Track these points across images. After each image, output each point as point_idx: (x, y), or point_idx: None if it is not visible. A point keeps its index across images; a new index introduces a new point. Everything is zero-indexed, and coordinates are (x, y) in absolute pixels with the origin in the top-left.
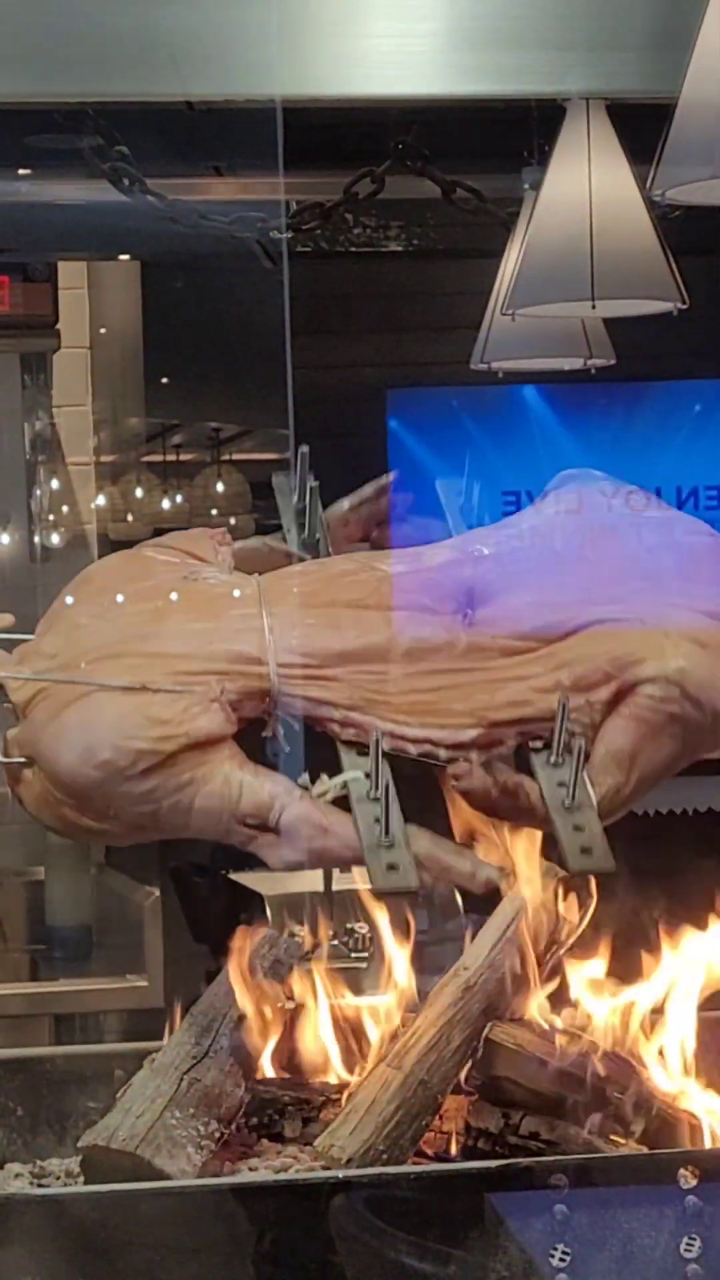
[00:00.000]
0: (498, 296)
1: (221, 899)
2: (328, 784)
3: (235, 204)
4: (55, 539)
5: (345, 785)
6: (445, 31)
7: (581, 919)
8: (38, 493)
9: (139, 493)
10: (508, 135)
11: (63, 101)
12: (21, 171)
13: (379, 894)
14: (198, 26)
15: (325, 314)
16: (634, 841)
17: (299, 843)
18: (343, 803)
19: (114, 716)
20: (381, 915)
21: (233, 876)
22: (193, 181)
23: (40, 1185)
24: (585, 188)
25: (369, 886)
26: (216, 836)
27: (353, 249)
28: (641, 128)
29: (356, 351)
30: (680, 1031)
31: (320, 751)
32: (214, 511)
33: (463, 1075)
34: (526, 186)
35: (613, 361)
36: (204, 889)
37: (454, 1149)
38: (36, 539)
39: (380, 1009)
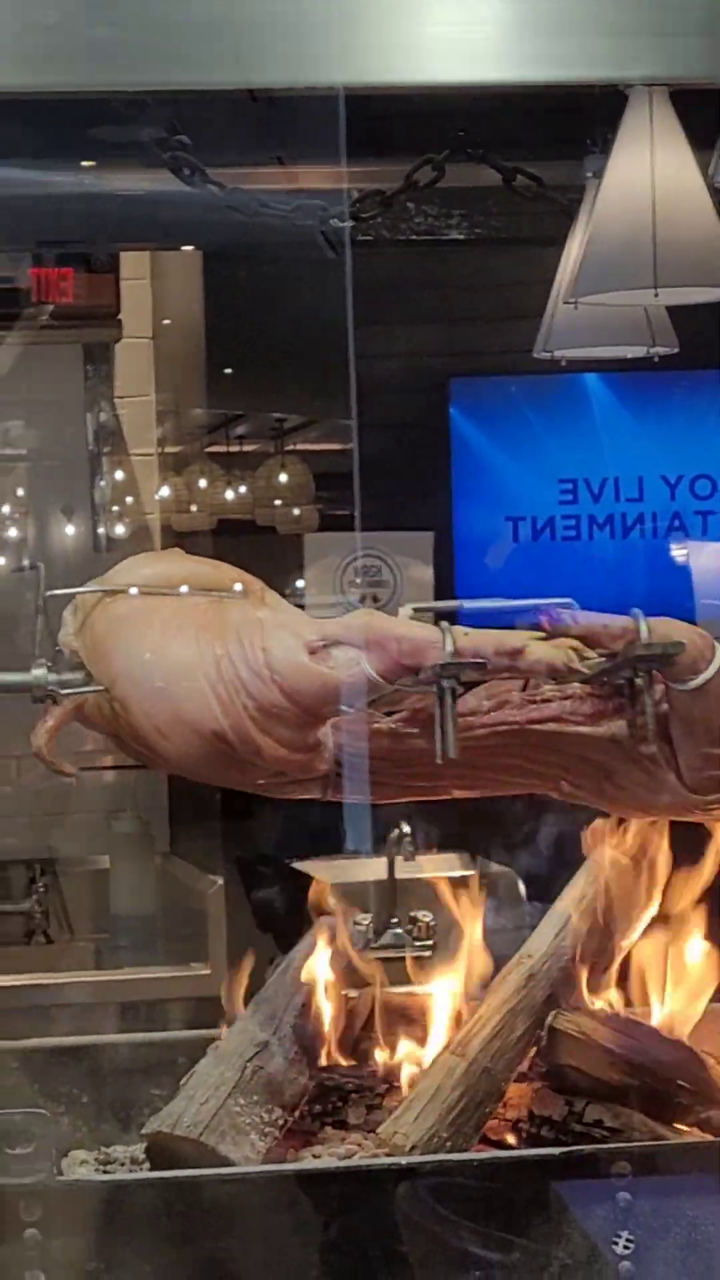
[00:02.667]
0: (560, 285)
1: (285, 887)
2: None
3: (296, 193)
4: (119, 530)
5: None
6: (507, 19)
7: (645, 908)
8: (101, 484)
9: (202, 483)
10: (569, 123)
11: (124, 92)
12: (84, 163)
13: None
14: (260, 16)
15: (387, 303)
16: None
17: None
18: None
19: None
20: (444, 902)
21: (296, 865)
22: (254, 171)
23: (105, 1172)
24: (648, 175)
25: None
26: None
27: (414, 237)
28: (705, 114)
29: (418, 341)
30: None
31: None
32: (277, 502)
33: (526, 1063)
34: (589, 174)
35: (676, 349)
36: (268, 878)
37: (517, 1137)
38: (100, 530)
39: (444, 997)
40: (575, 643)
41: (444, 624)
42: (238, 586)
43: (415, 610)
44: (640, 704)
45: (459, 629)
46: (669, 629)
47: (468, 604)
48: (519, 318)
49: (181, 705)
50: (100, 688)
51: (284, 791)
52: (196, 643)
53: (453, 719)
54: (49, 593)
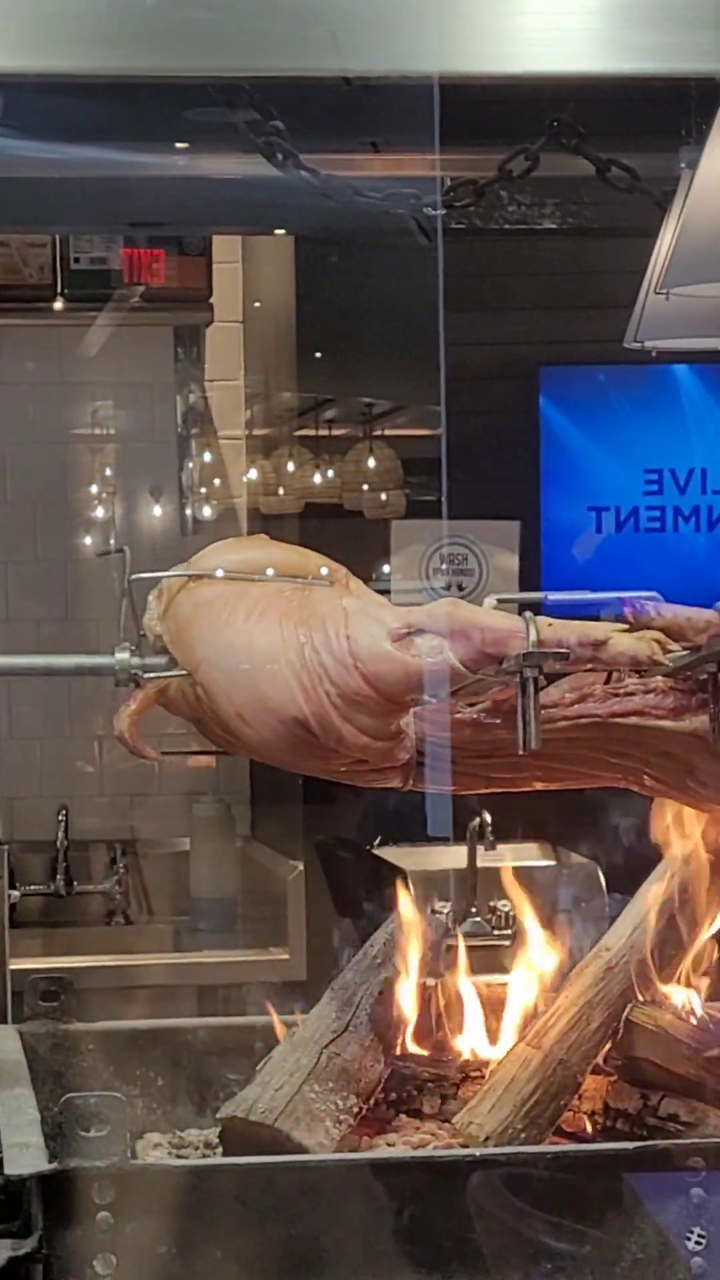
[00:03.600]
0: (652, 275)
1: (365, 874)
2: None
3: (389, 180)
4: (206, 512)
5: None
6: (603, 8)
7: None
8: (189, 466)
9: (290, 467)
10: (664, 114)
11: (221, 76)
12: (179, 145)
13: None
14: (357, 3)
15: (478, 291)
16: None
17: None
18: None
19: None
20: (524, 892)
21: (376, 852)
22: (348, 157)
23: (179, 1156)
24: None
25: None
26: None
27: (506, 226)
28: None
29: (508, 329)
30: None
31: None
32: (365, 487)
33: (602, 1056)
34: (683, 165)
35: None
36: (348, 864)
37: (592, 1129)
38: (188, 512)
39: (521, 987)
40: (659, 635)
41: (528, 614)
42: (323, 572)
43: (500, 601)
44: None
45: (543, 619)
46: None
47: (552, 596)
48: (610, 307)
49: (265, 691)
50: (183, 672)
51: (365, 779)
52: (280, 629)
53: (535, 710)
54: (134, 576)
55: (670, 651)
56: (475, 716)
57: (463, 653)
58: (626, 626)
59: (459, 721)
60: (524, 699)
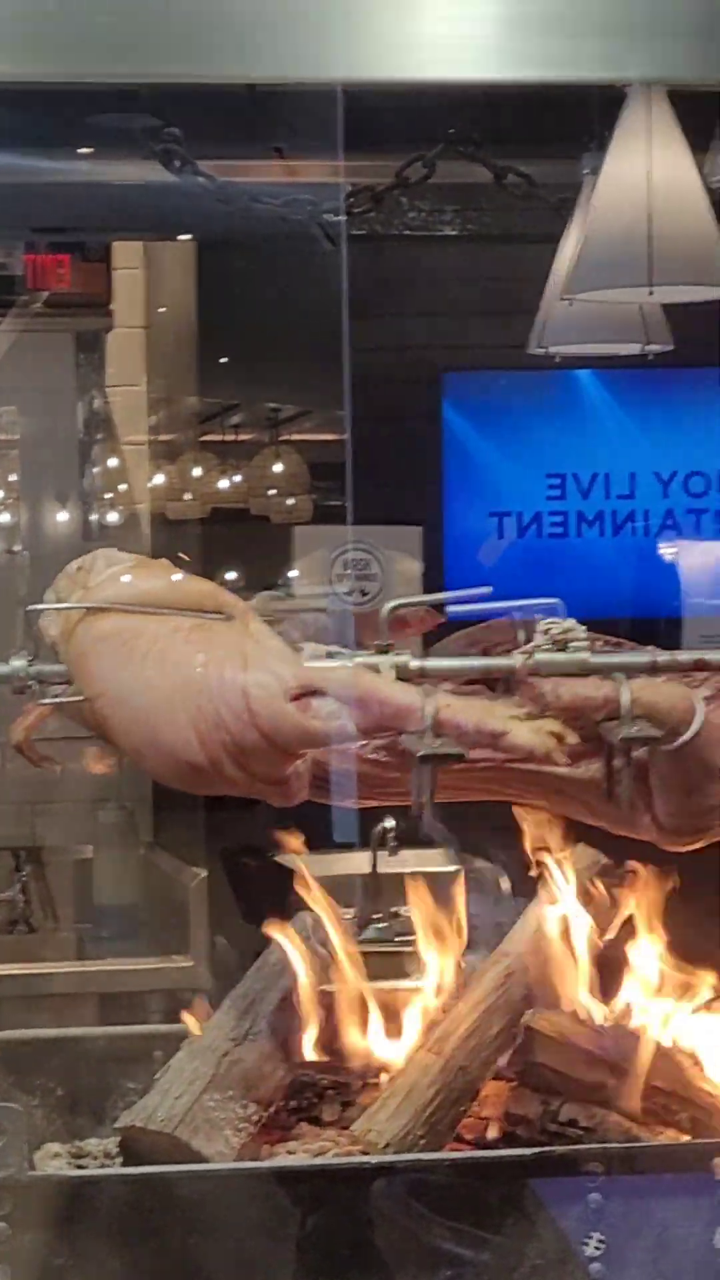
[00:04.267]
0: (556, 281)
1: (269, 880)
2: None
3: (290, 186)
4: (112, 517)
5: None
6: (504, 17)
7: (623, 908)
8: (92, 471)
9: (197, 471)
10: (566, 120)
11: (123, 83)
12: (81, 150)
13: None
14: (260, 10)
15: (380, 297)
16: None
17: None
18: None
19: None
20: (426, 898)
21: (279, 859)
22: (254, 164)
23: (78, 1166)
24: (644, 173)
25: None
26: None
27: (406, 232)
28: (702, 114)
29: (412, 334)
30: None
31: None
32: (271, 491)
33: (502, 1061)
34: (586, 171)
35: (671, 347)
36: (251, 871)
37: (492, 1135)
38: (94, 517)
39: (422, 993)
40: (558, 727)
41: (429, 690)
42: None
43: (397, 607)
44: (618, 774)
45: (444, 698)
46: (653, 696)
47: (454, 606)
48: (511, 313)
49: (160, 733)
50: (79, 698)
51: (266, 798)
52: (177, 673)
53: (430, 785)
54: (30, 608)
55: (566, 743)
56: (374, 757)
57: (360, 721)
58: (526, 712)
59: (359, 758)
60: (419, 776)
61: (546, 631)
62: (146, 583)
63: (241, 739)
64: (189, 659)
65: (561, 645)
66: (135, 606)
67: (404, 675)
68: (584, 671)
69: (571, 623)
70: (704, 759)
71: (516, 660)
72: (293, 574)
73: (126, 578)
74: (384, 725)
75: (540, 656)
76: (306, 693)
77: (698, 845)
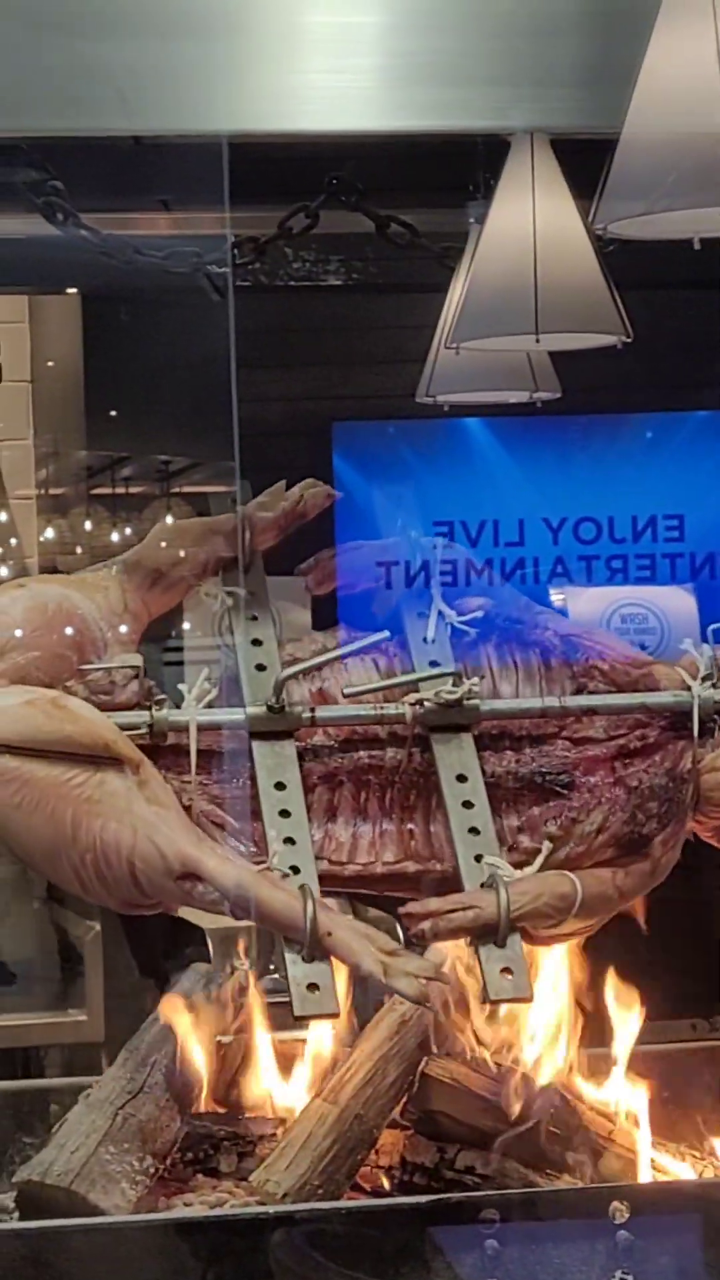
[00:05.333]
0: (443, 329)
1: (162, 933)
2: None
3: (174, 238)
4: (3, 571)
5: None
6: (386, 67)
7: None
8: None
9: (87, 525)
10: (447, 170)
11: (7, 136)
12: None
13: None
14: (143, 62)
15: (267, 347)
16: None
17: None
18: None
19: None
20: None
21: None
22: (139, 216)
23: None
24: (529, 221)
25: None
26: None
27: (292, 283)
28: (585, 162)
29: (300, 385)
30: (617, 1067)
31: None
32: (163, 544)
33: (399, 1110)
34: (471, 220)
35: (559, 394)
36: (145, 923)
37: (389, 1184)
38: None
39: (317, 1042)
40: (430, 969)
41: (308, 894)
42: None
43: (286, 677)
44: None
45: (326, 921)
46: (531, 903)
47: (333, 674)
48: (398, 361)
49: (50, 873)
50: None
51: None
52: (65, 830)
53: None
54: None
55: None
56: None
57: (240, 913)
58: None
59: None
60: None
61: (436, 693)
62: (36, 719)
63: (126, 896)
64: (79, 819)
65: (457, 701)
66: (25, 749)
67: (300, 724)
68: (477, 719)
69: (471, 683)
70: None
71: (406, 710)
72: (185, 626)
73: (16, 700)
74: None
75: (429, 706)
76: (190, 876)
77: None
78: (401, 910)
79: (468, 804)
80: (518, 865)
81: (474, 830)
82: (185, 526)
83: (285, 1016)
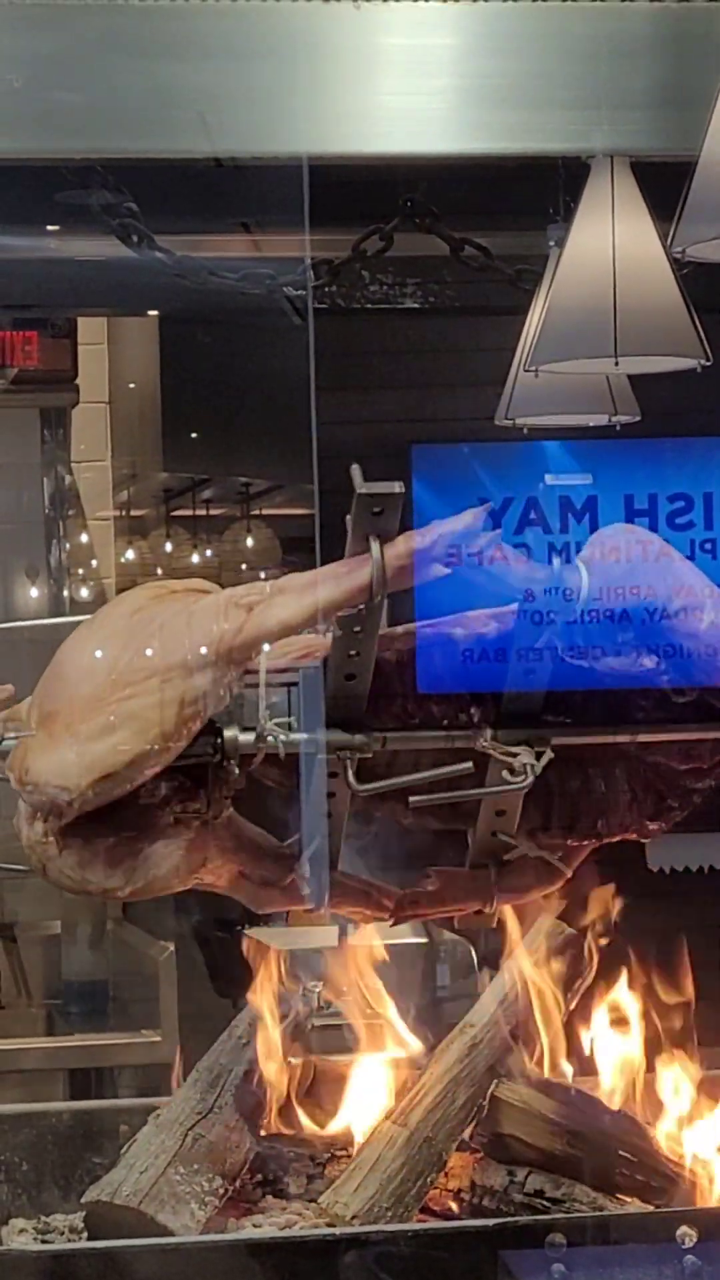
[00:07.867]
0: (522, 352)
1: (239, 954)
2: None
3: (249, 260)
4: (84, 593)
5: None
6: (460, 89)
7: (585, 979)
8: (59, 547)
9: (168, 547)
10: (521, 192)
11: (90, 159)
12: (49, 227)
13: None
14: (223, 85)
15: (344, 369)
16: (650, 899)
17: None
18: None
19: None
20: (373, 972)
21: (248, 932)
22: (219, 238)
23: (44, 1241)
24: (609, 244)
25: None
26: None
27: (369, 305)
28: (665, 185)
29: (378, 407)
30: (685, 1089)
31: None
32: (243, 566)
33: (468, 1132)
34: (551, 242)
35: (638, 418)
36: (219, 944)
37: (458, 1207)
38: (65, 593)
39: (388, 1065)
40: None
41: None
42: None
43: None
44: None
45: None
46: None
47: None
48: (478, 384)
49: None
50: None
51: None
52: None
53: None
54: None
55: None
56: None
57: None
58: None
59: None
60: None
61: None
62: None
63: None
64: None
65: None
66: None
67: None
68: None
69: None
70: None
71: None
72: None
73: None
74: None
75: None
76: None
77: None
78: None
79: None
80: None
81: None
82: None
83: (356, 1039)
